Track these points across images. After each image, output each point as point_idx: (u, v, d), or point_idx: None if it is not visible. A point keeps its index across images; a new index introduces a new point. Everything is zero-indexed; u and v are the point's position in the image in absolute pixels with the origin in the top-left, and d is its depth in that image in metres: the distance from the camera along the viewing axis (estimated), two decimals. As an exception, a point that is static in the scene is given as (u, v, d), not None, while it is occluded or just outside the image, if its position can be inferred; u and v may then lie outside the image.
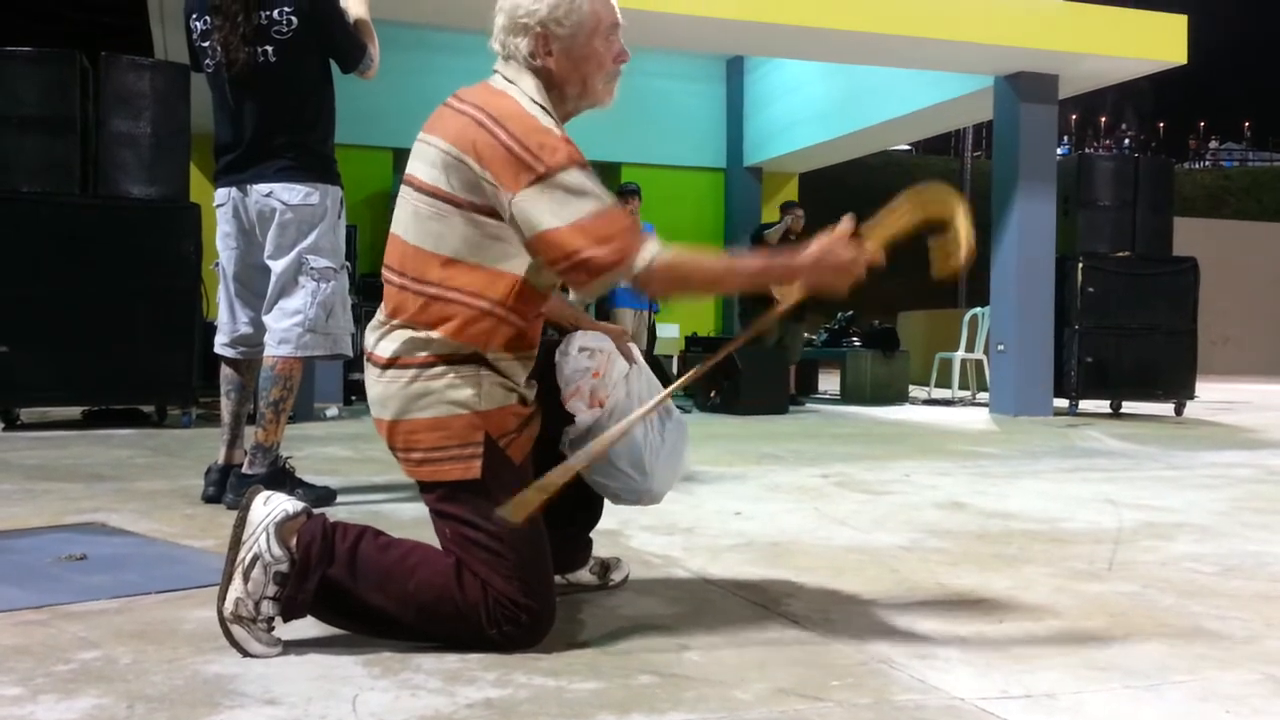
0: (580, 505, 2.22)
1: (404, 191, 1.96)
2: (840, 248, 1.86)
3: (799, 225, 9.09)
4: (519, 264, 1.89)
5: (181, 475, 4.13)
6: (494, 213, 1.87)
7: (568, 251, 1.80)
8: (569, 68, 1.98)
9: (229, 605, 1.79)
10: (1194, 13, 8.28)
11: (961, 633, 2.07)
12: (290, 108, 3.47)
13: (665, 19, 7.22)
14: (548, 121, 1.90)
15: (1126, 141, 56.63)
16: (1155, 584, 2.54)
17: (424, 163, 1.92)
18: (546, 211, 1.81)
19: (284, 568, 1.80)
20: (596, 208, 1.82)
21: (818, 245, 1.86)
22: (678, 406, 2.21)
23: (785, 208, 9.31)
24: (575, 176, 1.83)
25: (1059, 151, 8.99)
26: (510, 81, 1.97)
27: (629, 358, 2.13)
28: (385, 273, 1.99)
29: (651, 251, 1.82)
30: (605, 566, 2.38)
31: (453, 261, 1.89)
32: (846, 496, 3.90)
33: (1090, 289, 8.27)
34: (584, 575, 2.34)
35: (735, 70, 11.99)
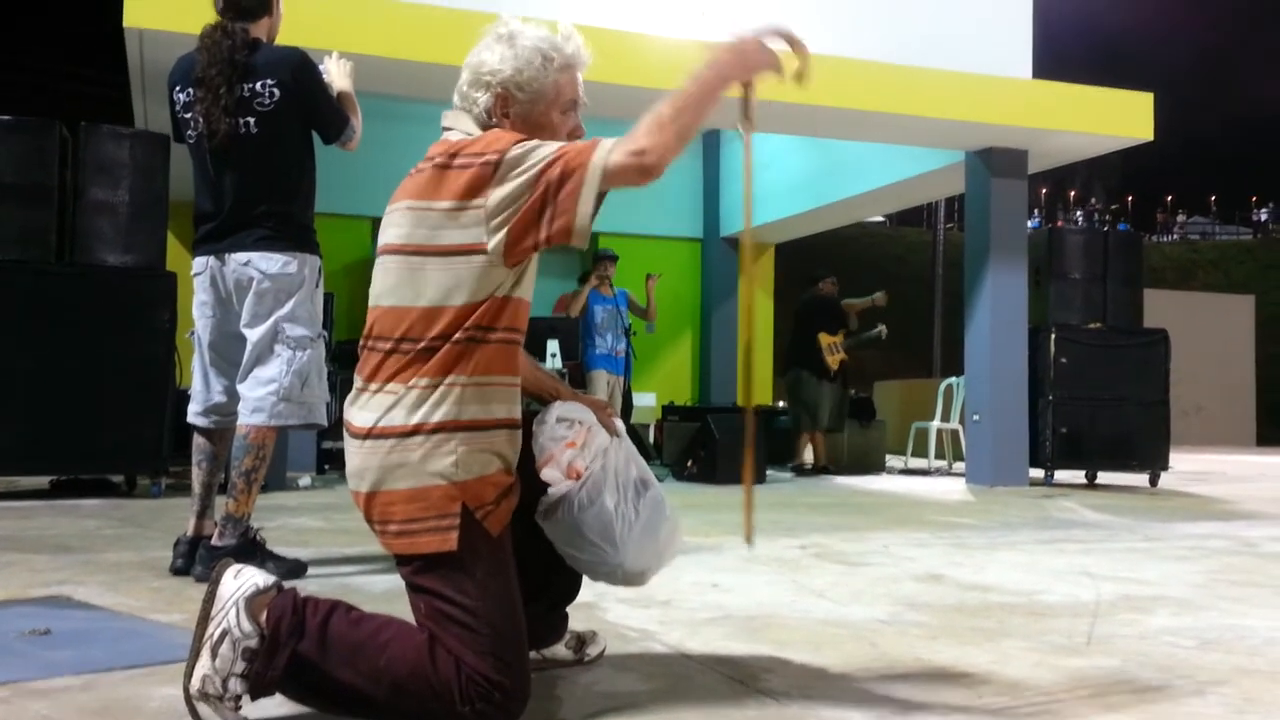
0: (557, 577, 2.20)
1: (378, 262, 1.99)
2: (747, 40, 1.96)
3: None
4: (495, 284, 1.90)
5: (149, 546, 4.07)
6: (465, 249, 1.88)
7: (551, 165, 1.84)
8: (523, 132, 2.00)
9: (195, 682, 1.75)
10: (1159, 90, 8.48)
11: (941, 708, 2.05)
12: (270, 178, 3.48)
13: (648, 94, 7.33)
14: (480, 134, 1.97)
15: (1095, 215, 57.58)
16: (1134, 658, 2.53)
17: (391, 227, 1.96)
18: (522, 169, 1.85)
19: (253, 644, 1.77)
20: (556, 145, 1.89)
21: (728, 47, 1.95)
22: (655, 476, 2.20)
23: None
24: (525, 145, 1.89)
25: (1029, 224, 9.12)
26: (449, 128, 2.04)
27: (612, 430, 2.12)
28: (365, 342, 1.98)
29: (614, 142, 1.86)
30: (581, 641, 2.35)
31: (432, 309, 1.89)
32: (824, 568, 3.88)
33: (1063, 360, 8.34)
34: (560, 650, 2.31)
35: (712, 143, 12.17)
